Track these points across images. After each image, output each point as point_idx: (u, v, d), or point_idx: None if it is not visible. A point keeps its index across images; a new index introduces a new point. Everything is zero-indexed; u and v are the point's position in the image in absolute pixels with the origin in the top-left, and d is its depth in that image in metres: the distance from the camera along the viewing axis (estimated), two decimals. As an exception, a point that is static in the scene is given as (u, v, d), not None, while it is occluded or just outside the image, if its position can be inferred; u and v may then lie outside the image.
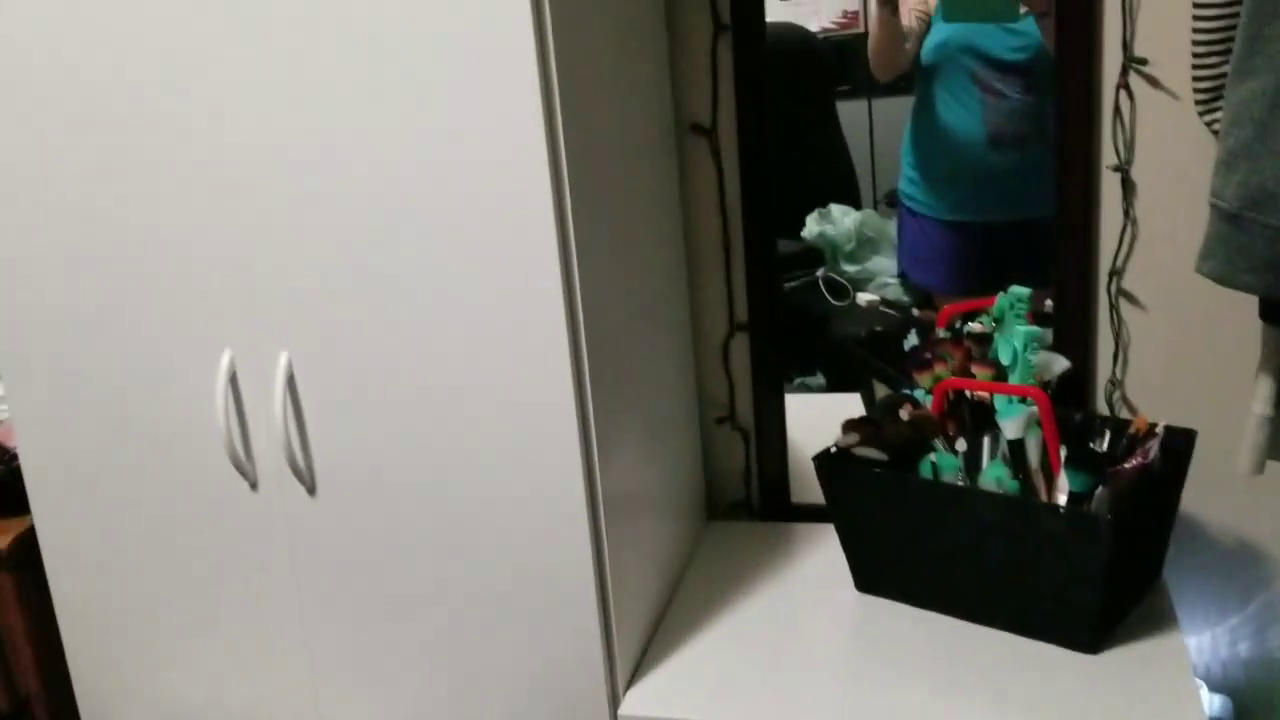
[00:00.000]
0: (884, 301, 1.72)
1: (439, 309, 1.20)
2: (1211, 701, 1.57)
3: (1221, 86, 1.28)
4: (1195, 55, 1.33)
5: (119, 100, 1.22)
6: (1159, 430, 1.34)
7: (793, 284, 1.72)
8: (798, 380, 1.74)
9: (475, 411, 1.23)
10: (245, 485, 1.32)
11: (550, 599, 1.27)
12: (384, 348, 1.23)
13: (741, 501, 1.74)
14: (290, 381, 1.26)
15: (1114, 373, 1.51)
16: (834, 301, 1.74)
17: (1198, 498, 1.52)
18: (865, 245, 1.75)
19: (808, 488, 1.60)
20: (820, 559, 1.56)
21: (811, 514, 1.66)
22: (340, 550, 1.32)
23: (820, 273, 1.74)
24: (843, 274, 1.74)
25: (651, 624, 1.42)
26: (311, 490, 1.30)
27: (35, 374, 1.35)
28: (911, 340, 1.57)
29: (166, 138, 1.22)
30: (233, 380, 1.28)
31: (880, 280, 1.74)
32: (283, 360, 1.26)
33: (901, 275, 1.71)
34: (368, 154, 1.17)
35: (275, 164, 1.20)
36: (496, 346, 1.20)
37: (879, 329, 1.71)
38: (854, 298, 1.73)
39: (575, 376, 1.20)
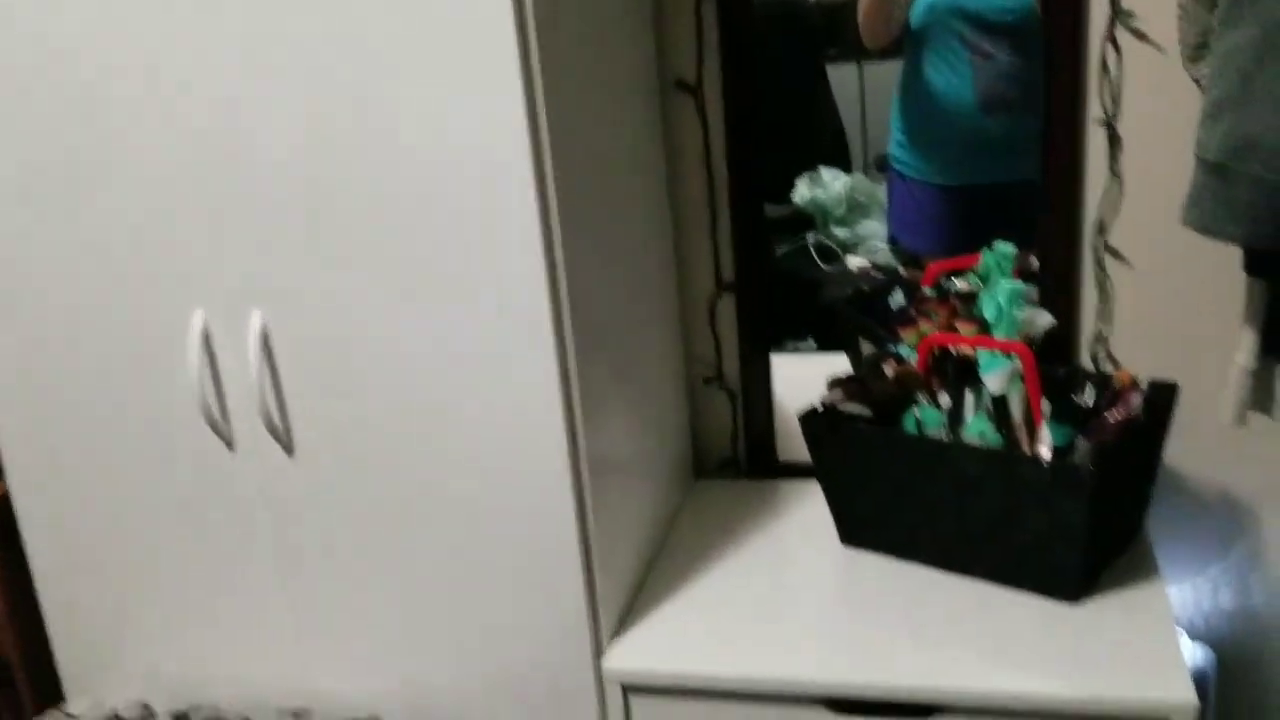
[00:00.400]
0: (874, 266, 1.71)
1: (415, 266, 1.19)
2: (1194, 652, 1.58)
3: (1208, 38, 1.26)
4: (1181, 6, 1.31)
5: (84, 61, 1.20)
6: (1142, 384, 1.33)
7: (783, 249, 1.71)
8: (789, 345, 1.73)
9: (456, 372, 1.22)
10: (222, 446, 1.31)
11: (533, 558, 1.27)
12: (358, 305, 1.22)
13: (729, 460, 1.73)
14: (265, 341, 1.25)
15: (1098, 328, 1.50)
16: (824, 266, 1.73)
17: (1181, 449, 1.51)
18: (855, 209, 1.73)
19: (794, 446, 1.60)
20: (806, 515, 1.56)
21: (798, 471, 1.66)
22: (321, 511, 1.31)
23: (810, 238, 1.73)
24: (833, 238, 1.72)
25: (636, 581, 1.41)
26: (289, 450, 1.29)
27: (6, 340, 1.34)
28: (897, 299, 1.56)
29: (134, 97, 1.20)
30: (206, 341, 1.27)
31: (870, 244, 1.73)
32: (255, 319, 1.24)
33: (892, 240, 1.70)
34: (338, 113, 1.16)
35: (245, 123, 1.18)
36: (476, 305, 1.19)
37: (866, 289, 1.70)
38: (844, 262, 1.72)
39: (557, 336, 1.19)
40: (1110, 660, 1.19)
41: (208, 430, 1.30)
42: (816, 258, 1.72)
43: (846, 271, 1.72)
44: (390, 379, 1.24)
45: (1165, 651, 1.19)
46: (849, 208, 1.73)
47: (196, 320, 1.26)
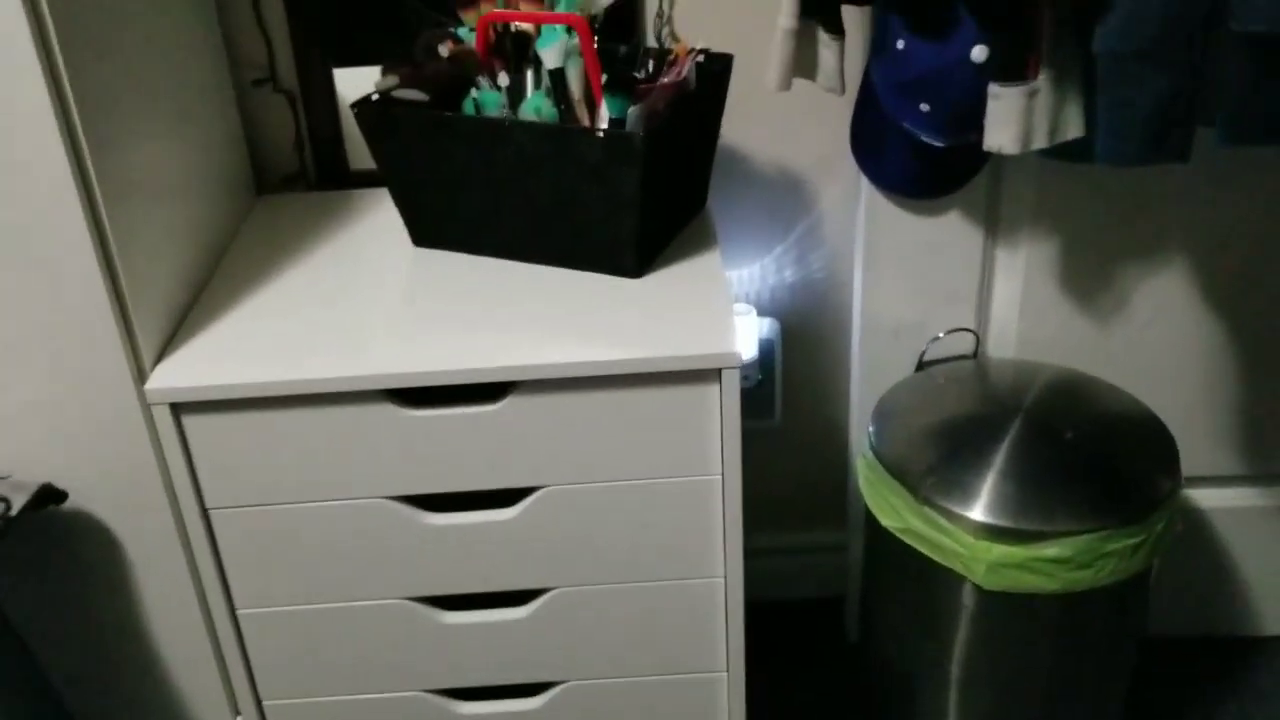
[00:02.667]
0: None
1: None
2: (762, 325, 1.68)
3: None
4: None
5: None
6: (697, 54, 1.32)
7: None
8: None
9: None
10: None
11: (54, 286, 1.11)
12: None
13: (296, 174, 1.60)
14: None
15: (661, 5, 1.47)
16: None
17: (742, 130, 1.55)
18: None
19: (366, 153, 1.49)
20: (377, 221, 1.47)
21: (371, 180, 1.56)
22: None
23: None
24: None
25: (184, 301, 1.29)
26: None
27: None
28: (460, -20, 1.45)
29: None
30: None
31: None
32: None
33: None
34: None
35: None
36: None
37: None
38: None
39: (41, 50, 1.01)
40: (670, 325, 1.21)
41: None
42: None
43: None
44: None
45: (718, 314, 1.23)
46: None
47: None
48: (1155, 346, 1.61)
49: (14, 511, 1.14)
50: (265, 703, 1.35)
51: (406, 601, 1.29)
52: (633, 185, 1.21)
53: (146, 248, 1.19)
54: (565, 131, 1.24)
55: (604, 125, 1.26)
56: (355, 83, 1.54)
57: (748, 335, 1.66)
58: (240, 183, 1.52)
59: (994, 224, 1.56)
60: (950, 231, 1.55)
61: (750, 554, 1.31)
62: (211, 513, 1.23)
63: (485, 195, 1.31)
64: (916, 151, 1.43)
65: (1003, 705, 1.44)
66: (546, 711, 1.36)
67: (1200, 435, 1.67)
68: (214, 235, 1.40)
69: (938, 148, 1.37)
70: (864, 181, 1.54)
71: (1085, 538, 1.26)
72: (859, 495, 1.49)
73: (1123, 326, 1.60)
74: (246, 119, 1.54)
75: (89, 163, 1.08)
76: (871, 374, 1.63)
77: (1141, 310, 1.59)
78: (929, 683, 1.45)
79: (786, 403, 1.76)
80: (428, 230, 1.38)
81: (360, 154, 1.58)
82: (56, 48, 1.03)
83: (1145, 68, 1.13)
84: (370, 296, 1.31)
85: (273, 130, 1.57)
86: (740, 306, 1.66)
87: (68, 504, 1.21)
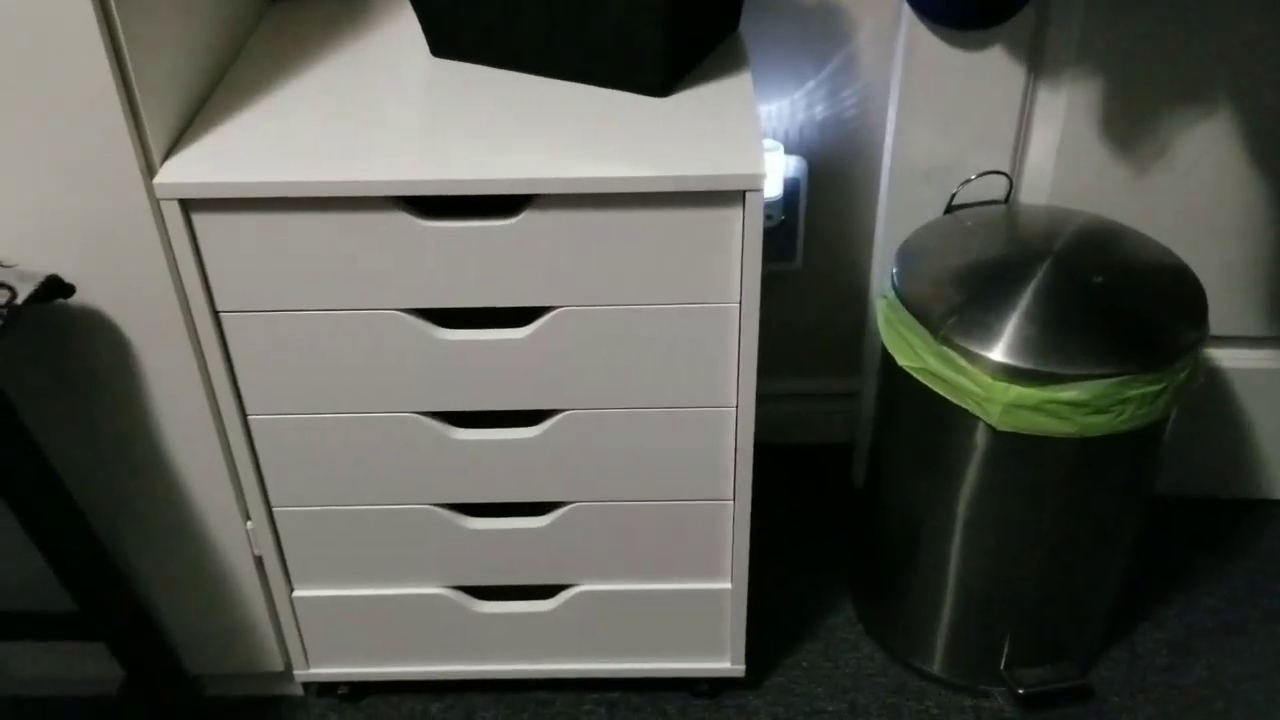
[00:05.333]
0: None
1: None
2: (789, 163, 1.63)
3: None
4: None
5: None
6: None
7: None
8: None
9: None
10: None
11: (61, 77, 1.08)
12: None
13: (313, -20, 1.54)
14: None
15: None
16: None
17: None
18: None
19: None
20: (396, 30, 1.42)
21: (391, -11, 1.50)
22: None
23: None
24: None
25: (195, 98, 1.25)
26: None
27: None
28: None
29: None
30: None
31: None
32: None
33: None
34: None
35: None
36: None
37: None
38: None
39: None
40: (694, 145, 1.17)
41: None
42: None
43: None
44: None
45: (746, 136, 1.19)
46: None
47: None
48: (1193, 198, 1.56)
49: (20, 300, 1.12)
50: (276, 509, 1.37)
51: (417, 415, 1.29)
52: (661, -8, 1.16)
53: (155, 41, 1.15)
54: (593, -68, 1.18)
55: (635, -70, 1.20)
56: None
57: (774, 173, 1.62)
58: (254, -14, 1.47)
59: (1037, 63, 1.49)
60: (991, 69, 1.49)
61: (762, 398, 1.30)
62: (223, 316, 1.22)
63: (507, 5, 1.25)
64: (962, -23, 1.36)
65: (1006, 551, 1.44)
66: (553, 529, 1.38)
67: (1230, 293, 1.63)
68: (226, 38, 1.35)
69: (985, -27, 1.31)
70: (905, 12, 1.47)
71: (1104, 382, 1.24)
72: (876, 338, 1.46)
73: (1162, 175, 1.55)
74: (262, -82, 1.48)
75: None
76: (898, 217, 1.59)
77: (1182, 159, 1.54)
78: (933, 526, 1.46)
79: (808, 245, 1.73)
80: (447, 40, 1.33)
81: (380, -38, 1.52)
82: None
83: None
84: (387, 104, 1.27)
85: (290, -68, 1.50)
86: (768, 143, 1.62)
87: (77, 300, 1.21)
